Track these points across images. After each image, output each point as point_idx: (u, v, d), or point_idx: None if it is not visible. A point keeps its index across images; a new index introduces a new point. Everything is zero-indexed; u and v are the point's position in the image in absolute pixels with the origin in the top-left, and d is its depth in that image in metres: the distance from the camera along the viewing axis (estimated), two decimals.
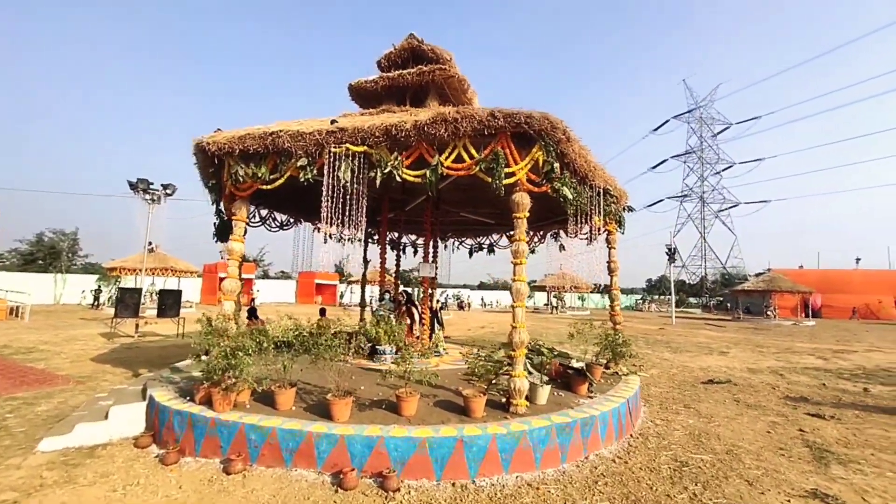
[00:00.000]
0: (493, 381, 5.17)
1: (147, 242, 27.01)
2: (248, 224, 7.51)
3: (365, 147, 4.43)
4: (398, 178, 4.36)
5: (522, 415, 4.26)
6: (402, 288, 7.94)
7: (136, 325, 13.85)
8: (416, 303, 7.19)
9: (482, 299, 47.84)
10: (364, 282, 10.93)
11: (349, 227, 4.63)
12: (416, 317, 7.00)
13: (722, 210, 75.02)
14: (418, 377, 4.35)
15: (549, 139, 4.23)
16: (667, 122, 79.20)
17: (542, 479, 3.81)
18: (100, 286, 29.17)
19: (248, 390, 4.48)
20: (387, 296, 7.32)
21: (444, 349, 7.35)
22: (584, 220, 6.91)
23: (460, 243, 11.20)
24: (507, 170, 4.22)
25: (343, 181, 4.40)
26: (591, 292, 43.58)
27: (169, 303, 14.08)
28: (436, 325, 7.46)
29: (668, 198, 77.37)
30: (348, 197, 4.56)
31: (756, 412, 6.31)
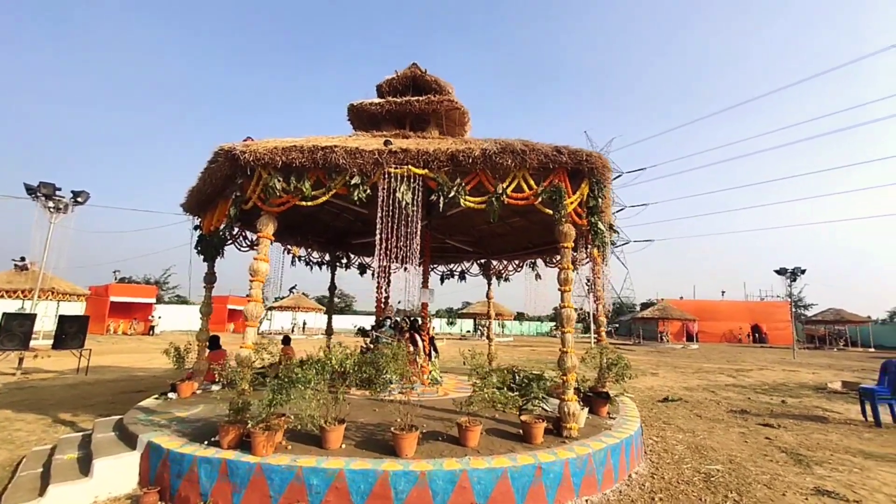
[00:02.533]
0: (524, 406, 5.23)
1: (20, 258, 22.45)
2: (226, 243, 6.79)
3: (426, 170, 4.39)
4: (461, 204, 4.38)
5: (575, 438, 4.38)
6: (394, 316, 7.65)
7: (20, 360, 11.28)
8: (420, 330, 7.00)
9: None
10: (331, 309, 10.33)
11: (402, 251, 4.47)
12: (420, 344, 6.81)
13: (616, 246, 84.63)
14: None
15: (598, 177, 4.62)
16: None
17: (608, 501, 3.94)
18: None
19: (283, 429, 3.98)
20: (387, 322, 7.02)
21: (440, 377, 7.22)
22: (585, 251, 7.47)
23: (431, 269, 11.18)
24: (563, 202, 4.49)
25: (404, 202, 4.29)
26: (514, 320, 45.62)
27: (71, 331, 11.76)
28: (432, 352, 7.31)
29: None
30: (402, 220, 4.43)
31: (722, 425, 7.17)
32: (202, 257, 6.57)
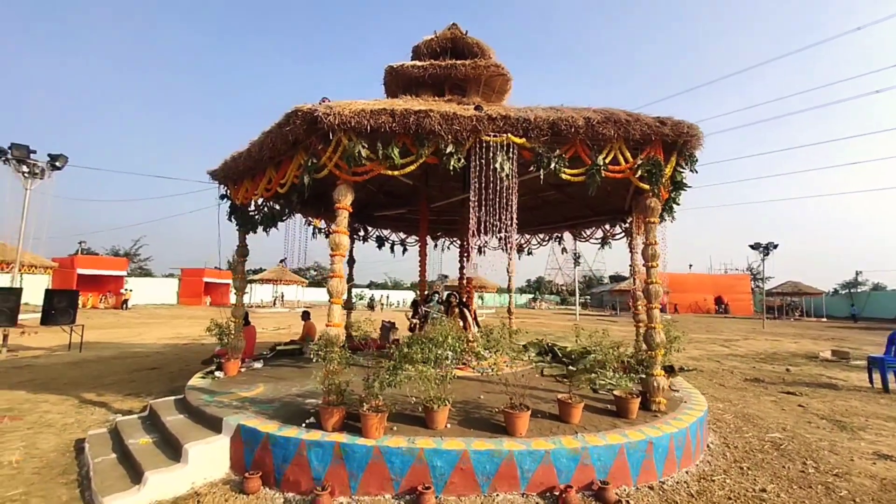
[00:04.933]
0: (597, 381, 5.28)
1: None
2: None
3: (524, 139, 4.14)
4: (559, 177, 4.18)
5: (664, 412, 4.45)
6: (441, 291, 7.47)
7: (5, 337, 10.45)
8: (468, 305, 6.87)
9: (388, 298, 47.11)
10: (351, 282, 10.00)
11: (495, 224, 4.26)
12: (470, 319, 6.71)
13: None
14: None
15: (690, 149, 4.50)
16: None
17: (705, 473, 4.04)
18: None
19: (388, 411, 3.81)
20: (435, 297, 6.84)
21: (485, 352, 7.17)
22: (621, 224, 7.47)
23: (450, 244, 11.01)
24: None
25: (505, 172, 4.05)
26: (497, 292, 46.25)
27: (61, 306, 10.96)
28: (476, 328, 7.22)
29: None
30: (498, 191, 4.20)
31: (749, 394, 7.53)
32: (241, 229, 6.14)
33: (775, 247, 26.99)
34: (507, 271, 10.89)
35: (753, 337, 18.58)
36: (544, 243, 9.95)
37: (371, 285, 68.23)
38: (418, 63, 6.88)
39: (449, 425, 3.85)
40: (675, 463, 3.94)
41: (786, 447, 4.82)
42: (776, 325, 29.00)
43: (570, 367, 5.94)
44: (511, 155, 4.11)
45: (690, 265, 61.88)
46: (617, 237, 8.45)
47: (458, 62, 6.86)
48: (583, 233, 9.07)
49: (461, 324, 6.68)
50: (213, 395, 4.74)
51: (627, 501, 3.40)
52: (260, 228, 5.99)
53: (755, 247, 27.92)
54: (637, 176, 4.34)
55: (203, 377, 5.66)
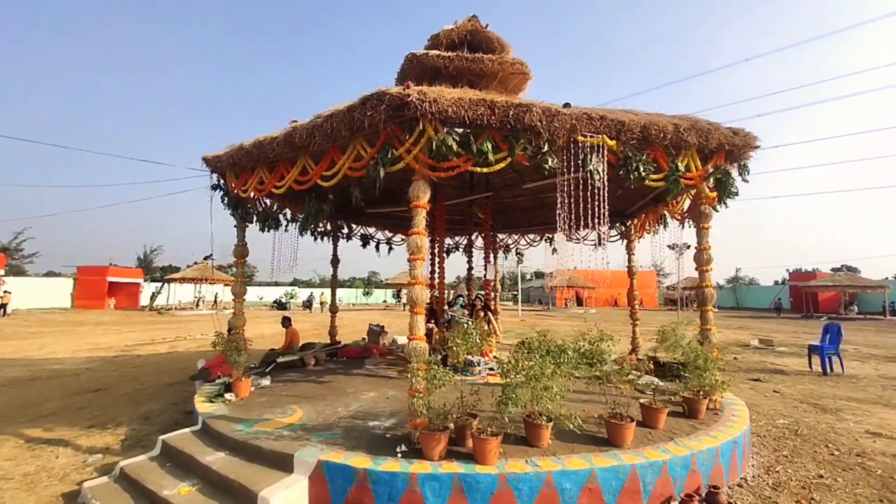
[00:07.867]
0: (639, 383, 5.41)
1: None
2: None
3: (615, 142, 4.03)
4: (643, 182, 4.14)
5: (721, 410, 4.67)
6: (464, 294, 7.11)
7: None
8: (491, 309, 6.62)
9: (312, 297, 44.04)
10: (335, 283, 9.23)
11: (587, 226, 4.11)
12: (495, 323, 6.48)
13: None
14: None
15: (745, 158, 4.74)
16: None
17: (765, 464, 4.30)
18: None
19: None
20: (459, 300, 6.49)
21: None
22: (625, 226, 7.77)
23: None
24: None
25: (599, 176, 3.90)
26: None
27: None
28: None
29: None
30: (590, 193, 4.05)
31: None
32: (242, 225, 5.31)
33: (688, 247, 30.35)
34: (495, 269, 10.86)
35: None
36: (535, 244, 10.05)
37: (295, 283, 64.36)
38: (443, 53, 6.49)
39: (551, 442, 3.64)
40: (747, 458, 4.16)
41: (801, 432, 5.34)
42: (686, 316, 32.69)
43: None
44: (602, 157, 3.99)
45: (608, 262, 67.30)
46: (612, 239, 8.83)
47: (485, 56, 6.61)
48: (576, 234, 9.32)
49: (486, 327, 6.45)
50: (250, 425, 3.99)
51: (734, 502, 3.48)
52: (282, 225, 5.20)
53: (672, 247, 31.11)
54: (708, 182, 4.47)
55: (211, 401, 4.77)
